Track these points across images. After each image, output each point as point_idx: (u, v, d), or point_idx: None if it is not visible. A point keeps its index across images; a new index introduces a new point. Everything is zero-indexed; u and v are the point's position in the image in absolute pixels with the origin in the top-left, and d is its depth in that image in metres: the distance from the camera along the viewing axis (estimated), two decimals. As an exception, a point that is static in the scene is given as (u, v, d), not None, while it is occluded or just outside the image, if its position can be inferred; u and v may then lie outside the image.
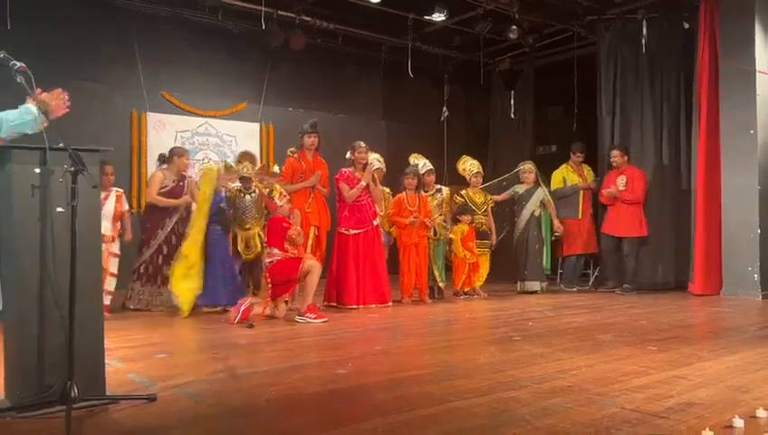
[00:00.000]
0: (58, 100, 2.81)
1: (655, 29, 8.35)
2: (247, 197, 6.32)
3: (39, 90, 2.82)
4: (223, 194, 6.27)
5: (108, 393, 2.94)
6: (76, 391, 2.62)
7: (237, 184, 6.32)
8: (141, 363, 3.82)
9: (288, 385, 3.25)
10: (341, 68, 10.50)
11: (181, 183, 6.62)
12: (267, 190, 6.11)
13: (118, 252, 6.12)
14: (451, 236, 7.26)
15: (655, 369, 3.55)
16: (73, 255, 2.64)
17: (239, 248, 6.22)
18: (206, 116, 9.37)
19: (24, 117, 2.78)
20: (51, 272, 2.74)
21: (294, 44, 9.34)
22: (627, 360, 3.80)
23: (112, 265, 5.97)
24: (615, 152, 8.10)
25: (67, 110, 2.86)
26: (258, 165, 6.61)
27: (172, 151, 6.76)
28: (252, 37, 9.27)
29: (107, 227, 5.87)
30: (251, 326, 5.12)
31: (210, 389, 3.19)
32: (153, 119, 8.90)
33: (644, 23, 8.28)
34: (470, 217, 7.36)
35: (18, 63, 2.83)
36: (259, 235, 6.26)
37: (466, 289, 7.40)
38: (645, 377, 3.37)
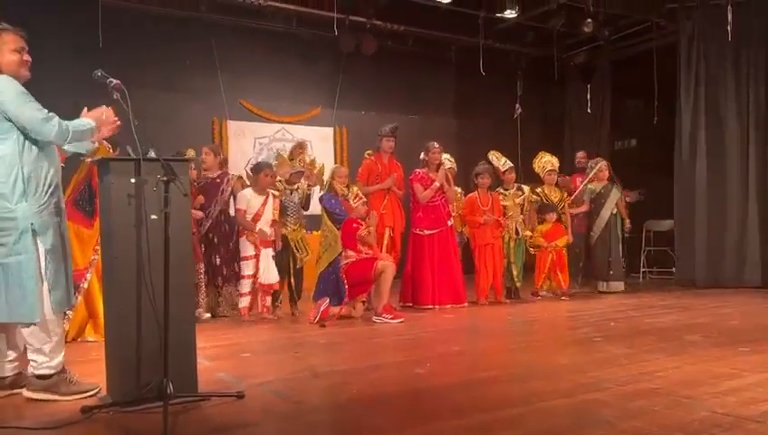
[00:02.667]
0: (108, 119, 3.04)
1: (742, 16, 7.94)
2: (295, 195, 6.24)
3: (85, 109, 3.14)
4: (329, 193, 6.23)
5: (200, 391, 3.10)
6: (171, 388, 2.77)
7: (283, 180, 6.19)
8: (229, 362, 3.99)
9: (367, 384, 3.32)
10: (413, 69, 10.54)
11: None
12: (344, 191, 6.18)
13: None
14: (528, 232, 7.16)
15: (748, 371, 3.40)
16: (167, 259, 2.80)
17: (293, 252, 6.15)
18: (282, 122, 9.65)
19: (84, 125, 3.08)
20: (146, 275, 2.90)
21: (366, 49, 9.48)
22: (717, 362, 3.65)
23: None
24: (581, 153, 7.79)
25: (116, 129, 3.08)
26: (313, 162, 6.48)
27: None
28: (324, 43, 9.47)
29: (266, 232, 5.84)
30: (323, 326, 5.25)
31: (293, 386, 3.30)
32: (233, 126, 9.24)
33: (729, 9, 7.89)
34: (555, 215, 7.23)
35: (114, 81, 3.04)
36: (303, 239, 6.22)
37: (546, 289, 7.27)
38: (737, 379, 3.23)
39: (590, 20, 8.88)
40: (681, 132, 8.43)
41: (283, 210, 6.20)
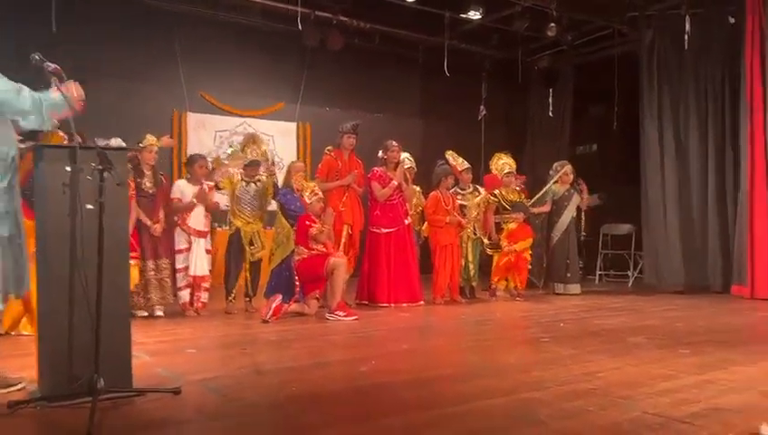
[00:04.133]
0: (77, 92, 2.91)
1: (699, 25, 8.11)
2: (252, 186, 6.13)
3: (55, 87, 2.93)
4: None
5: (135, 386, 3.03)
6: (102, 383, 2.70)
7: (238, 172, 6.11)
8: (171, 358, 3.92)
9: (311, 382, 3.28)
10: (379, 68, 10.51)
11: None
12: (300, 189, 6.14)
13: (210, 248, 5.99)
14: (487, 240, 7.19)
15: (685, 372, 3.46)
16: (101, 250, 2.73)
17: (245, 246, 6.05)
18: (244, 116, 9.54)
19: (53, 97, 2.89)
20: (80, 267, 2.82)
21: (332, 44, 9.42)
22: (656, 363, 3.71)
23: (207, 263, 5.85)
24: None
25: (82, 103, 2.95)
26: (265, 152, 6.39)
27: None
28: (289, 38, 9.37)
29: (200, 223, 5.82)
30: (265, 322, 5.24)
31: (234, 384, 3.25)
32: (193, 119, 9.10)
33: (687, 18, 8.04)
34: (522, 215, 7.26)
35: (52, 65, 2.93)
36: (258, 233, 6.13)
37: (503, 289, 7.30)
38: (673, 381, 3.28)
39: (553, 24, 8.96)
40: (646, 138, 8.56)
41: (236, 201, 6.11)
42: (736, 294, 7.38)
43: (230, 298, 6.08)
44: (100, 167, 2.72)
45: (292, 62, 9.81)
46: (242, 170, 6.16)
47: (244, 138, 6.64)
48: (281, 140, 9.76)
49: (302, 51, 9.60)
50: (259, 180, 6.26)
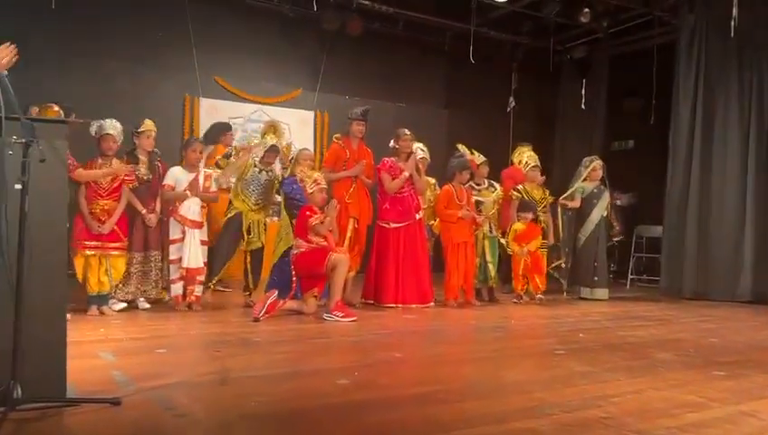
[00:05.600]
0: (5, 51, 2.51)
1: (748, 10, 7.41)
2: (263, 174, 5.84)
3: None
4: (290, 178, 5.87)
5: (73, 394, 2.65)
6: (20, 392, 2.33)
7: (256, 157, 5.81)
8: (135, 359, 3.54)
9: (275, 396, 2.86)
10: (403, 55, 10.03)
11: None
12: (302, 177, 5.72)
13: (206, 239, 5.59)
14: (501, 239, 6.69)
15: (718, 401, 2.93)
16: (21, 238, 2.35)
17: (243, 232, 5.72)
18: (259, 102, 9.16)
19: None
20: (5, 256, 2.45)
21: (351, 29, 8.99)
22: (684, 387, 3.18)
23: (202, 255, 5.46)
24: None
25: (15, 59, 2.54)
26: (283, 141, 6.16)
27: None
28: (308, 22, 8.98)
29: (195, 212, 5.44)
30: (257, 320, 4.87)
31: (189, 394, 2.85)
32: (206, 104, 8.76)
33: (735, 2, 7.36)
34: (531, 215, 6.74)
35: None
36: (264, 224, 5.84)
37: (521, 292, 6.77)
38: (703, 411, 2.77)
39: (587, 9, 8.37)
40: (676, 135, 7.93)
41: (244, 185, 5.79)
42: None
43: (210, 285, 5.76)
44: (23, 140, 2.33)
45: (311, 47, 9.40)
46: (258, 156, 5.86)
47: (264, 125, 6.33)
48: (298, 129, 9.35)
49: (322, 35, 9.19)
50: (271, 171, 5.93)
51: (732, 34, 7.38)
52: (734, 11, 7.30)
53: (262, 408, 2.68)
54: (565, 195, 7.31)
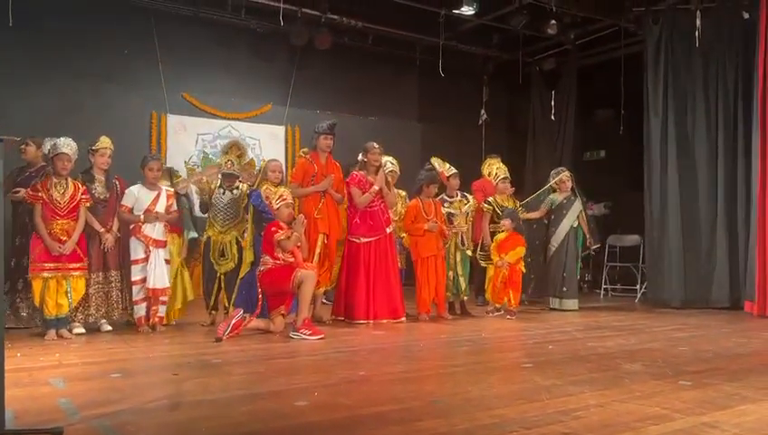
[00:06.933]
0: None
1: (710, 21, 7.52)
2: (227, 193, 5.82)
3: None
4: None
5: (13, 425, 2.53)
6: (-52, 424, 2.20)
7: (217, 180, 5.86)
8: (87, 384, 3.41)
9: (227, 420, 2.75)
10: (373, 69, 10.03)
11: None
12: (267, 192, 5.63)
13: (168, 258, 5.46)
14: (469, 251, 6.62)
15: (681, 412, 2.88)
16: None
17: (212, 258, 5.74)
18: (229, 118, 9.08)
19: None
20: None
21: (320, 43, 8.96)
22: (649, 399, 3.13)
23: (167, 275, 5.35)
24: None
25: None
26: (245, 159, 6.13)
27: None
28: (277, 37, 8.94)
29: (159, 231, 5.32)
30: (219, 340, 4.76)
31: (137, 421, 2.73)
32: (173, 121, 8.65)
33: (698, 14, 7.45)
34: (513, 223, 6.66)
35: None
36: (237, 240, 5.77)
37: (498, 305, 6.67)
38: (666, 423, 2.71)
39: (554, 22, 8.42)
40: (650, 144, 7.96)
41: (211, 208, 5.79)
42: (748, 310, 6.75)
43: (210, 311, 5.79)
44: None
45: (281, 62, 9.36)
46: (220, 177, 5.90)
47: (226, 144, 6.26)
48: (268, 143, 9.29)
49: (291, 50, 9.15)
50: (237, 187, 5.88)
51: (697, 45, 7.46)
52: (698, 22, 7.39)
53: (212, 433, 2.58)
54: (522, 203, 7.31)
